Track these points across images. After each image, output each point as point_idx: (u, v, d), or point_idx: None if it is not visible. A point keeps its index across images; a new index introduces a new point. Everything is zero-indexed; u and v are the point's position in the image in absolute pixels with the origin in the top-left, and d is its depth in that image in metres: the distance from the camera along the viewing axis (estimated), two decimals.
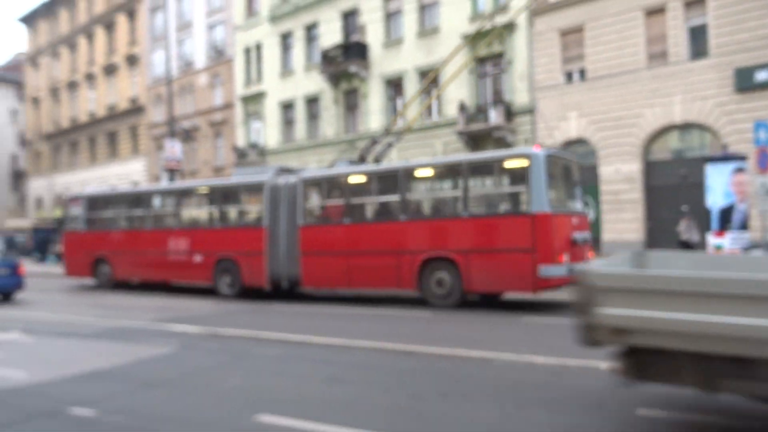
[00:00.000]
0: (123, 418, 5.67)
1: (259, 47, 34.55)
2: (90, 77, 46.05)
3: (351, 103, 30.82)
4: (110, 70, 44.17)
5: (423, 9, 28.13)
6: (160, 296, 16.36)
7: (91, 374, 7.34)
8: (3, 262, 16.58)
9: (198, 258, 15.79)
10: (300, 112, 32.52)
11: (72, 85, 47.77)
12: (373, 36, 29.79)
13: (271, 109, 33.73)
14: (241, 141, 35.04)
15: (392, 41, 29.11)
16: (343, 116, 30.97)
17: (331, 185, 13.97)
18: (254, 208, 15.07)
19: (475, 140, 26.54)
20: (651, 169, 22.58)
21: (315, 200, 14.17)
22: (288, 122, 33.41)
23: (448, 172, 12.39)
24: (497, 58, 26.28)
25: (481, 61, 26.65)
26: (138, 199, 17.74)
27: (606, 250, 23.38)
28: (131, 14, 42.70)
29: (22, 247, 40.48)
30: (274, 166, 15.58)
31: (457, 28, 27.09)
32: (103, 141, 44.91)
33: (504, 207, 11.65)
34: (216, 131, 36.68)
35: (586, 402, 5.82)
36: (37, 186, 51.16)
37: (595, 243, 23.99)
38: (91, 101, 46.06)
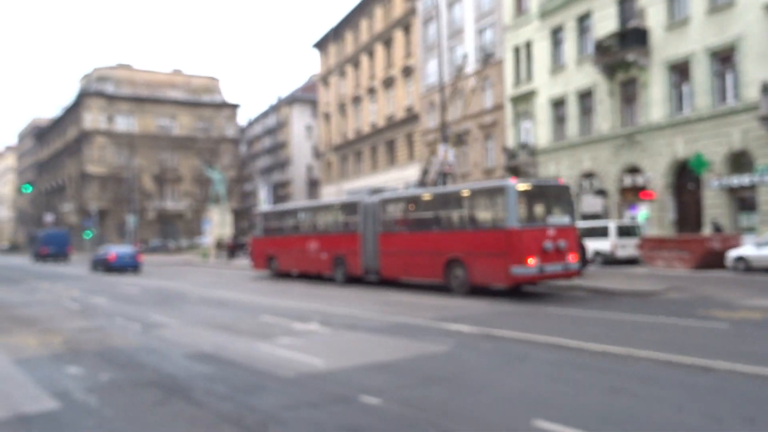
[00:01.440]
0: (406, 409, 5.92)
1: (528, 45, 34.24)
2: (371, 91, 49.82)
3: (628, 94, 28.85)
4: (388, 83, 47.52)
5: None
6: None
7: (377, 365, 7.73)
8: (130, 254, 31.89)
9: (324, 255, 21.86)
10: (572, 108, 31.38)
11: (356, 100, 52.04)
12: (654, 19, 27.50)
13: (541, 107, 33.16)
14: (510, 142, 35.13)
15: (676, 22, 26.55)
16: (619, 109, 29.13)
17: (394, 204, 19.22)
18: (354, 220, 20.58)
19: None
20: None
21: (387, 214, 19.37)
22: (559, 119, 32.48)
23: (459, 196, 16.81)
24: None
25: None
26: (290, 214, 24.63)
27: None
28: (406, 28, 45.51)
29: None
30: (368, 189, 21.29)
31: None
32: (382, 149, 47.89)
33: (491, 223, 15.83)
34: (486, 133, 37.27)
35: None
36: (329, 192, 54.37)
37: None
38: (372, 113, 49.58)
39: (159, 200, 68.55)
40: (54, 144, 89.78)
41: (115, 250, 32.54)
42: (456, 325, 10.80)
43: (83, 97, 72.56)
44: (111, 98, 71.83)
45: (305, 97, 78.39)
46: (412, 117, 44.19)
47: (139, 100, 73.51)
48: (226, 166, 67.73)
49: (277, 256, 24.78)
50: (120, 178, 65.54)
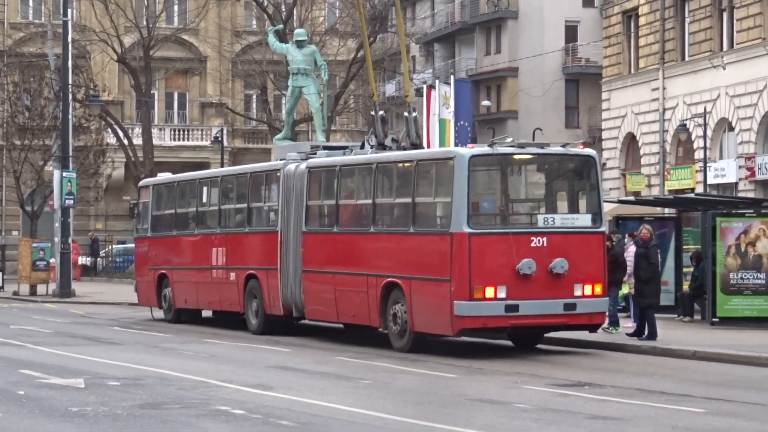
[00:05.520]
0: None
1: None
2: None
3: None
4: None
5: None
6: None
7: None
8: None
9: (232, 276, 22.97)
10: None
11: None
12: None
13: None
14: None
15: None
16: None
17: (327, 176, 20.73)
18: (272, 207, 22.31)
19: None
20: None
21: (317, 197, 20.74)
22: None
23: (401, 169, 18.85)
24: None
25: None
26: (192, 189, 25.98)
27: None
28: None
29: None
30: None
31: None
32: None
33: (432, 222, 17.83)
34: None
35: None
36: (623, 99, 46.80)
37: None
38: None
39: (136, 125, 52.76)
40: None
41: None
42: None
43: None
44: None
45: None
46: None
47: None
48: (322, 31, 49.28)
49: (171, 276, 25.34)
50: (30, 61, 50.48)
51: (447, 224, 16.51)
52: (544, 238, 16.30)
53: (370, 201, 18.75)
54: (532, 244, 16.18)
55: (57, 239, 35.79)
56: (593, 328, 17.26)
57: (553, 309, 16.39)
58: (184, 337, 23.05)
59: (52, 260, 36.37)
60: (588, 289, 16.54)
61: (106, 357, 18.75)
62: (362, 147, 21.18)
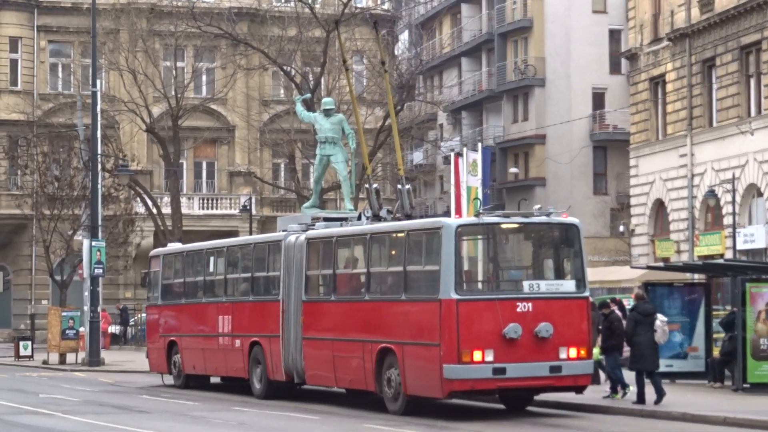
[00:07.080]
0: None
1: None
2: None
3: None
4: None
5: None
6: None
7: None
8: None
9: (237, 343, 23.85)
10: None
11: None
12: None
13: None
14: None
15: None
16: None
17: (324, 247, 21.93)
18: (274, 276, 22.95)
19: None
20: None
21: (316, 266, 21.83)
22: None
23: (391, 239, 19.79)
24: None
25: None
26: (199, 260, 26.78)
27: None
28: None
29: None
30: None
31: None
32: None
33: (422, 289, 18.24)
34: None
35: None
36: (651, 165, 46.82)
37: None
38: None
39: (165, 194, 52.72)
40: None
41: None
42: None
43: None
44: None
45: None
46: None
47: None
48: (348, 99, 43.09)
49: (180, 343, 26.09)
50: (59, 132, 50.68)
51: (436, 291, 17.19)
52: (530, 304, 17.06)
53: (364, 270, 19.81)
54: (518, 309, 16.94)
55: (86, 308, 35.64)
56: (579, 390, 17.93)
57: (539, 371, 17.07)
58: (213, 404, 23.15)
59: (81, 329, 36.18)
60: (573, 352, 17.34)
61: (135, 425, 18.69)
62: (359, 218, 22.19)
